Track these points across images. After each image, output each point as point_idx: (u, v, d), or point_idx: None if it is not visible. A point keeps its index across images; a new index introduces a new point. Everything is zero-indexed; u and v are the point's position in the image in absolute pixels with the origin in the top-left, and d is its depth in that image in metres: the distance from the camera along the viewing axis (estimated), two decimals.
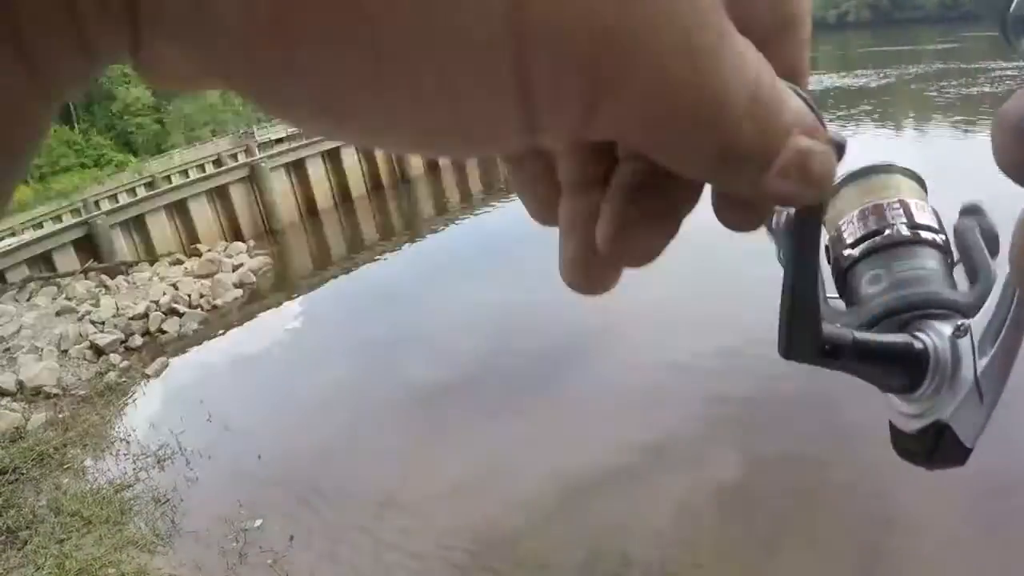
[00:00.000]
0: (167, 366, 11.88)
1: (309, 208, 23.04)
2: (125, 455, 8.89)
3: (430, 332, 11.38)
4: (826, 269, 0.85)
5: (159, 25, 0.20)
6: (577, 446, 7.31)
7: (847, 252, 0.86)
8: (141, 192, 35.34)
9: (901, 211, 0.86)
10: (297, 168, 23.03)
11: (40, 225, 34.05)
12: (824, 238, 0.90)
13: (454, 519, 6.45)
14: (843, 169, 0.85)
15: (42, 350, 12.46)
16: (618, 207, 0.31)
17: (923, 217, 0.85)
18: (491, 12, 0.20)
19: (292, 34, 0.20)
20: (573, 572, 5.60)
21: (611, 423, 7.66)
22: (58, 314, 14.42)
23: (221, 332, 13.42)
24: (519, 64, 0.21)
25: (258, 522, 6.88)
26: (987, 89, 23.70)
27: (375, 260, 16.69)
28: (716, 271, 11.21)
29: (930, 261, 0.83)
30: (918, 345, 0.74)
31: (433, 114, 0.23)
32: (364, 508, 6.85)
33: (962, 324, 0.73)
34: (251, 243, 19.62)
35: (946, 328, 0.74)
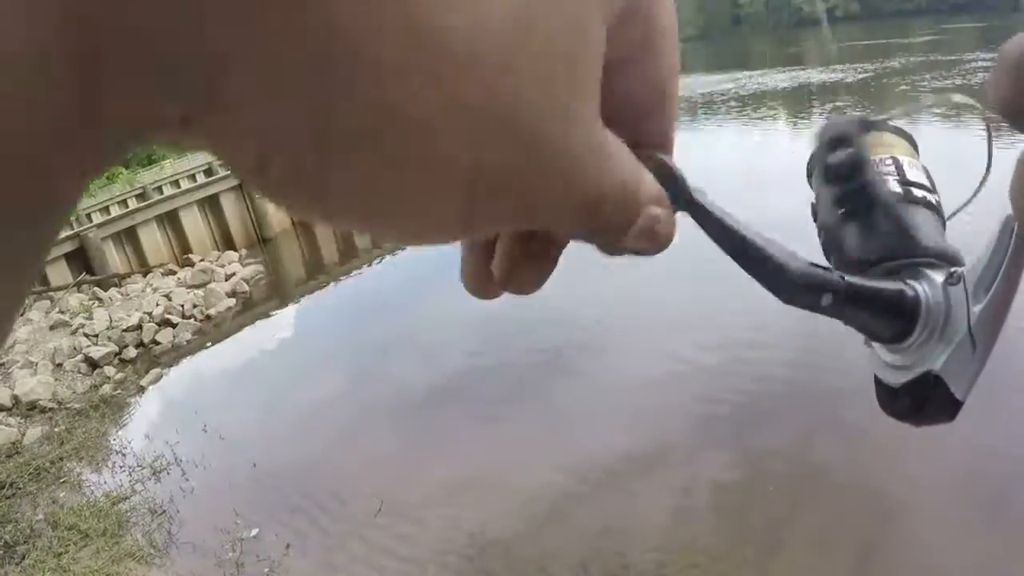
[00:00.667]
0: (162, 377, 11.89)
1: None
2: (121, 467, 8.90)
3: (423, 337, 11.40)
4: (814, 230, 0.85)
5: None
6: (571, 448, 7.33)
7: (838, 211, 0.85)
8: (132, 203, 35.36)
9: (893, 167, 0.86)
10: None
11: None
12: (812, 197, 0.90)
13: (450, 524, 6.48)
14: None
15: (36, 364, 12.47)
16: (507, 248, 0.41)
17: (914, 175, 0.85)
18: (454, 179, 0.28)
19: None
20: (570, 574, 5.63)
21: (605, 425, 7.67)
22: (52, 328, 14.42)
23: (215, 342, 13.41)
24: (466, 199, 0.29)
25: (254, 531, 6.90)
26: (959, 81, 23.81)
27: (368, 266, 16.69)
28: (709, 271, 11.23)
29: (921, 217, 0.82)
30: (909, 292, 0.73)
31: (407, 220, 0.30)
32: (360, 515, 6.87)
33: (955, 271, 0.73)
34: (243, 252, 19.64)
35: (938, 276, 0.74)
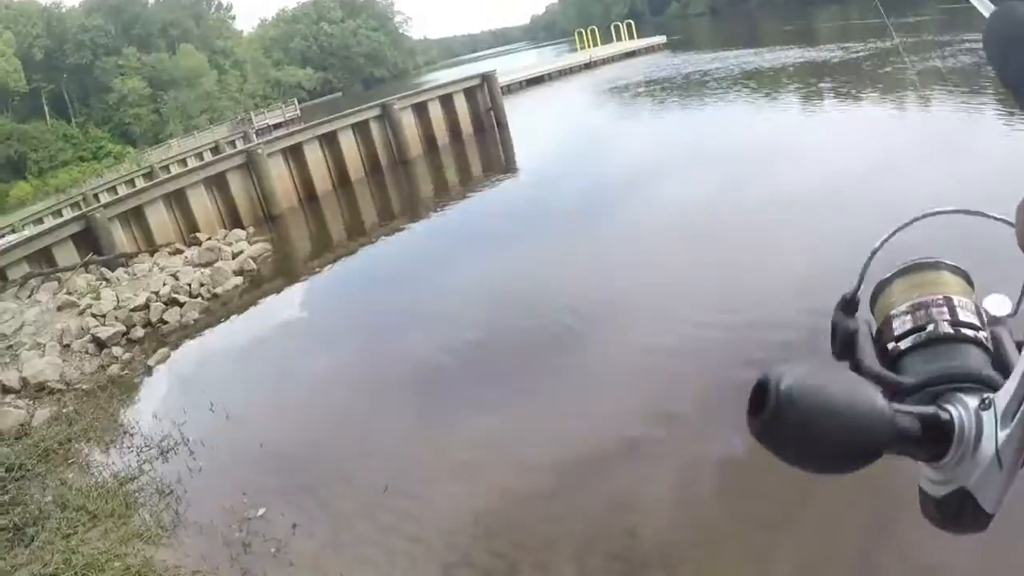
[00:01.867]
0: (169, 357, 11.89)
1: (308, 193, 23.06)
2: (129, 448, 8.90)
3: (430, 313, 11.41)
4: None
5: None
6: (579, 424, 7.30)
7: (892, 345, 0.96)
8: (140, 183, 35.52)
9: (945, 308, 0.94)
10: (294, 153, 23.03)
11: (40, 221, 34.20)
12: (873, 325, 1.03)
13: (456, 502, 6.45)
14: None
15: (44, 346, 12.48)
16: None
17: (966, 315, 0.94)
18: None
19: None
20: (577, 552, 5.59)
21: (613, 400, 7.65)
22: (59, 309, 14.43)
23: (222, 320, 13.42)
24: None
25: (261, 511, 6.88)
26: (938, 64, 23.66)
27: (374, 242, 16.70)
28: (718, 244, 11.21)
29: (970, 352, 0.91)
30: (944, 416, 0.81)
31: None
32: (366, 494, 6.85)
33: (987, 397, 0.79)
34: (250, 230, 19.66)
35: (973, 401, 0.81)
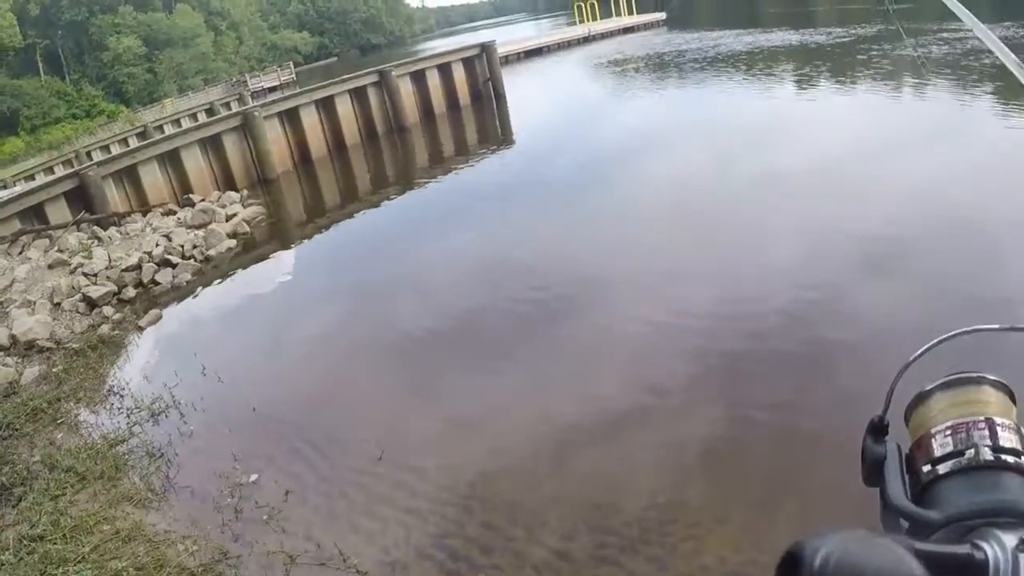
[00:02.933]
0: (160, 318, 11.79)
1: (303, 157, 22.95)
2: (119, 409, 8.81)
3: (423, 281, 11.38)
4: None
5: None
6: (570, 397, 7.29)
7: (928, 468, 0.91)
8: (133, 142, 35.35)
9: (987, 432, 0.89)
10: (291, 116, 22.88)
11: (32, 177, 33.99)
12: (907, 440, 0.99)
13: (448, 473, 6.41)
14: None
15: (35, 304, 12.36)
16: None
17: (1008, 439, 0.88)
18: None
19: None
20: (568, 526, 5.55)
21: (603, 375, 7.66)
22: (50, 267, 14.32)
23: (215, 283, 13.33)
24: None
25: (253, 477, 6.82)
26: (908, 52, 23.69)
27: (369, 209, 16.62)
28: (705, 222, 11.22)
29: (1010, 482, 0.85)
30: (978, 556, 0.74)
31: None
32: (359, 462, 6.79)
33: None
34: (245, 193, 19.54)
35: (1011, 539, 0.74)
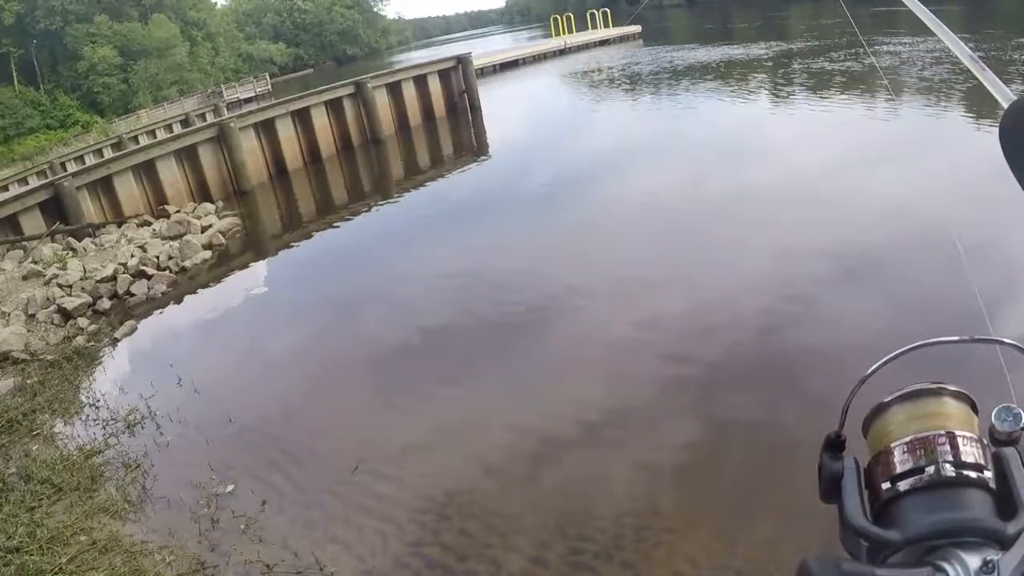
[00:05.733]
0: (136, 329, 11.77)
1: (279, 168, 22.95)
2: (95, 420, 8.80)
3: (398, 293, 11.44)
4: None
5: None
6: (543, 408, 7.37)
7: (888, 485, 0.89)
8: (108, 153, 35.20)
9: (948, 446, 0.87)
10: (266, 128, 22.87)
11: (5, 188, 33.79)
12: (865, 455, 0.97)
13: (424, 483, 6.46)
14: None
15: (9, 315, 12.32)
16: None
17: (969, 454, 0.86)
18: None
19: None
20: (543, 532, 5.61)
21: (576, 386, 7.74)
22: (25, 278, 14.26)
23: (190, 294, 13.31)
24: None
25: (230, 487, 6.85)
26: (828, 66, 24.16)
27: (344, 221, 16.65)
28: (678, 234, 11.35)
29: (973, 498, 0.83)
30: None
31: None
32: (335, 471, 6.83)
33: (990, 561, 0.72)
34: (220, 204, 19.52)
35: (974, 560, 0.73)
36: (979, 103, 16.53)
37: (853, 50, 29.71)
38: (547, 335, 9.03)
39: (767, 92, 23.95)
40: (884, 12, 31.18)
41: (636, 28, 58.55)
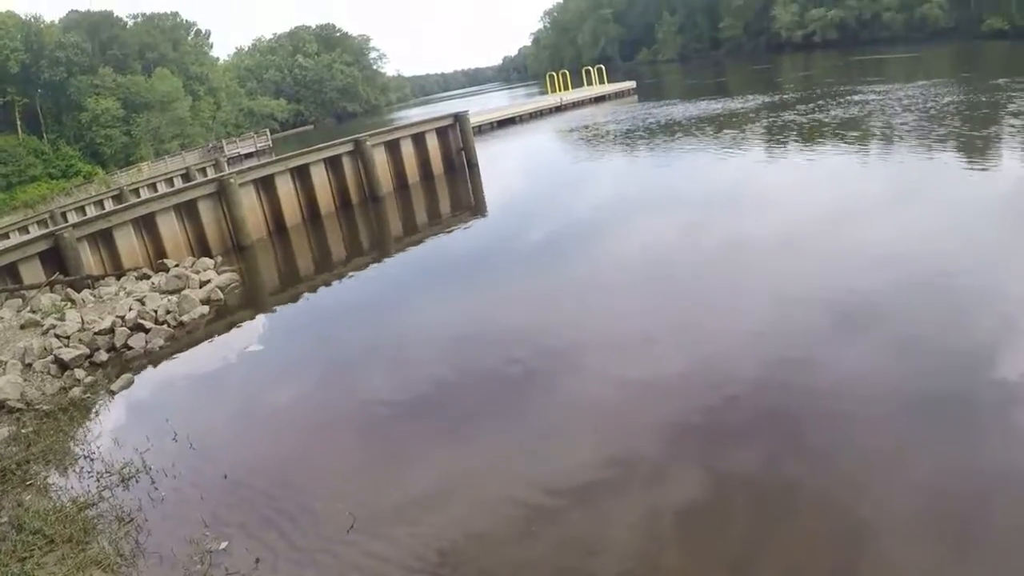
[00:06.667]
0: (132, 383, 11.79)
1: (278, 224, 23.14)
2: (89, 473, 8.80)
3: (396, 350, 11.45)
4: None
5: None
6: (541, 464, 7.35)
7: None
8: (109, 205, 35.49)
9: None
10: (266, 184, 23.08)
11: (6, 236, 33.95)
12: None
13: (419, 541, 6.45)
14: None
15: (6, 364, 12.34)
16: None
17: None
18: None
19: None
20: None
21: (575, 441, 7.73)
22: (23, 327, 14.31)
23: (188, 349, 13.34)
24: None
25: (224, 544, 6.84)
26: (818, 116, 24.47)
27: (343, 278, 16.70)
28: (680, 290, 11.42)
29: None
30: None
31: None
32: (330, 530, 6.83)
33: None
34: (219, 259, 19.64)
35: None
36: (969, 147, 16.95)
37: (840, 99, 30.46)
38: (546, 390, 9.04)
39: (760, 143, 24.44)
40: (870, 60, 31.92)
41: (631, 84, 59.43)
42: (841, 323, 9.17)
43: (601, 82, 61.60)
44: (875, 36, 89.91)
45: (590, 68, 65.12)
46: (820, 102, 32.03)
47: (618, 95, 57.26)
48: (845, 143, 21.39)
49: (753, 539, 5.80)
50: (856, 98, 31.11)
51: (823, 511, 5.92)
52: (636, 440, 7.53)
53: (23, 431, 10.27)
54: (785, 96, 38.01)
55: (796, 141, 23.32)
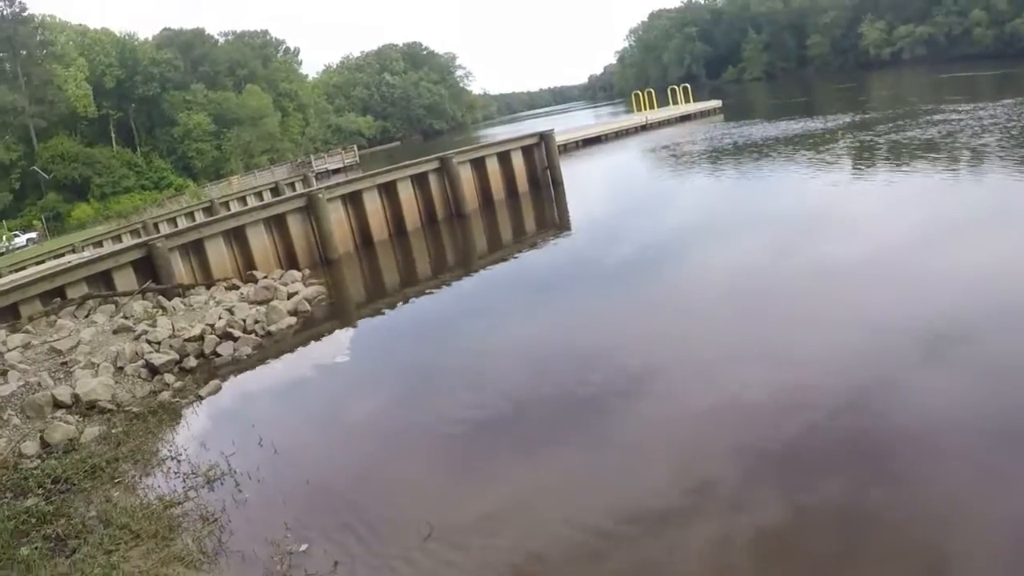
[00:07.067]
0: (220, 389, 12.05)
1: (364, 239, 23.43)
2: (175, 473, 9.03)
3: (477, 366, 11.54)
4: None
5: None
6: (615, 486, 7.34)
7: None
8: (200, 217, 36.29)
9: None
10: (354, 200, 23.42)
11: (100, 244, 34.91)
12: None
13: (494, 554, 6.50)
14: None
15: (98, 366, 12.71)
16: None
17: None
18: None
19: None
20: None
21: (653, 464, 7.67)
22: (115, 332, 14.71)
23: (274, 358, 13.60)
24: None
25: (304, 546, 6.96)
26: (908, 134, 24.02)
27: (427, 293, 16.83)
28: (760, 310, 11.26)
29: None
30: None
31: None
32: (408, 538, 6.89)
33: None
34: (306, 272, 19.95)
35: None
36: None
37: (923, 118, 29.99)
38: (623, 412, 8.97)
39: (847, 164, 24.18)
40: (960, 78, 31.39)
41: (716, 103, 59.09)
42: (929, 349, 8.94)
43: (687, 101, 61.33)
44: (965, 52, 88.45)
45: (675, 87, 64.91)
46: (900, 122, 31.71)
47: (703, 114, 57.00)
48: (928, 163, 21.12)
49: (831, 573, 5.71)
50: (938, 117, 30.70)
51: (906, 544, 5.78)
52: (712, 465, 7.42)
53: (113, 431, 10.56)
54: (867, 116, 37.75)
55: (879, 161, 23.04)
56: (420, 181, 25.34)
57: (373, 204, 23.86)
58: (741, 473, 7.19)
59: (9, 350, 13.74)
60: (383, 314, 15.69)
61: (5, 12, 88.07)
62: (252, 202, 43.07)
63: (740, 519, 6.47)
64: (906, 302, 10.55)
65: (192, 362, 13.33)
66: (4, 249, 60.76)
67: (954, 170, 19.88)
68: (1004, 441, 6.83)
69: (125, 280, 17.57)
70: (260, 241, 20.69)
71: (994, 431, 7.01)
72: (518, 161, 28.48)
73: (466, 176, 26.47)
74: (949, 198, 16.84)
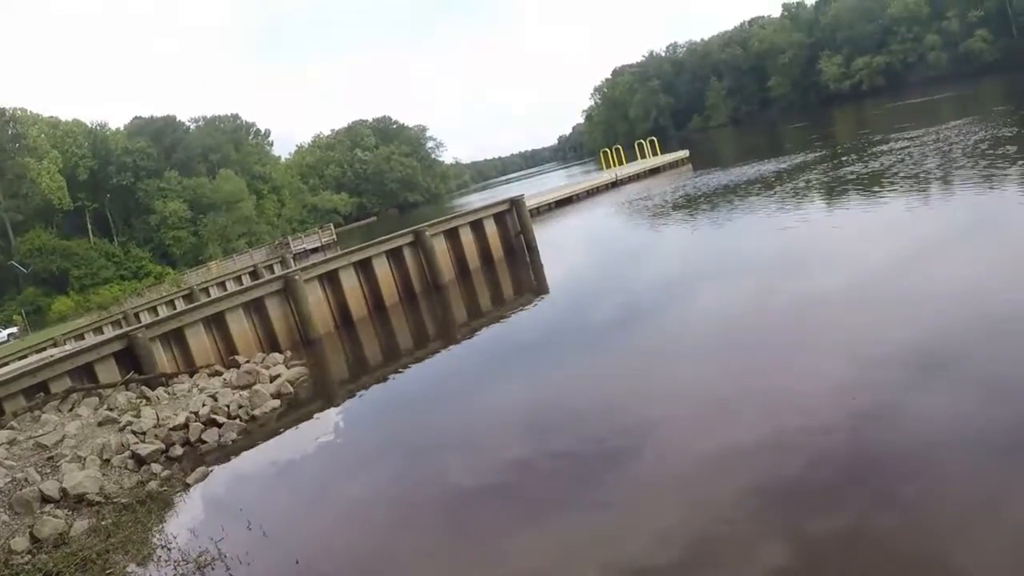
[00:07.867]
0: (207, 475, 12.13)
1: (344, 317, 23.61)
2: (166, 561, 9.10)
3: (466, 435, 11.56)
4: None
5: None
6: (622, 544, 7.31)
7: None
8: (180, 304, 36.39)
9: None
10: (331, 279, 23.63)
11: (81, 336, 34.91)
12: None
13: None
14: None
15: (85, 459, 12.79)
16: None
17: None
18: None
19: None
20: None
21: (658, 516, 7.63)
22: (100, 424, 14.79)
23: (260, 442, 13.69)
24: None
25: None
26: (872, 165, 24.79)
27: (409, 366, 16.90)
28: (747, 350, 11.35)
29: None
30: None
31: None
32: None
33: None
34: (288, 353, 20.08)
35: None
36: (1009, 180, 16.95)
37: (874, 149, 30.67)
38: (623, 467, 8.93)
39: (817, 199, 24.78)
40: (916, 104, 32.12)
41: (684, 153, 60.00)
42: (921, 371, 8.99)
43: (655, 154, 62.14)
44: (924, 76, 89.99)
45: (643, 141, 65.72)
46: (846, 157, 33.14)
47: (672, 165, 57.87)
48: (866, 195, 21.77)
49: None
50: (889, 146, 31.60)
51: (918, 571, 5.85)
52: (721, 510, 7.37)
53: (103, 523, 10.63)
54: (817, 154, 38.95)
55: (843, 193, 23.46)
56: (395, 256, 25.59)
57: (350, 282, 24.05)
58: (747, 517, 7.17)
59: None
60: (367, 391, 15.75)
61: None
62: (232, 287, 43.24)
63: (750, 563, 6.45)
64: (889, 326, 10.71)
65: (178, 450, 13.41)
66: None
67: (918, 193, 20.42)
68: (1004, 457, 6.81)
69: (108, 372, 17.66)
70: (240, 326, 20.85)
71: (993, 448, 7.00)
72: (491, 228, 28.80)
73: (440, 248, 26.73)
74: (919, 221, 17.12)
